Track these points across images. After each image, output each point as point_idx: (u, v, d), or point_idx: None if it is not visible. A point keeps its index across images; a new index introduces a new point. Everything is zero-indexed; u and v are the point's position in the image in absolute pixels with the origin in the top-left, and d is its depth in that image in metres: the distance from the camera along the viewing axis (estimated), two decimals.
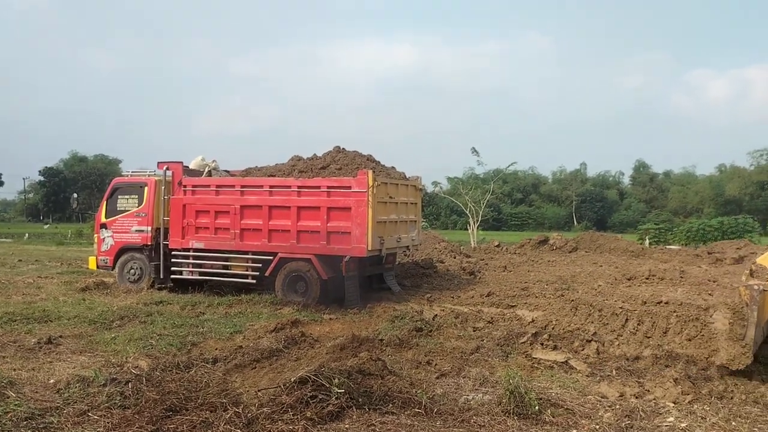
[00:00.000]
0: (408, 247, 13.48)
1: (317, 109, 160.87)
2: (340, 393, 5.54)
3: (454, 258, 18.93)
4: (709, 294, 11.05)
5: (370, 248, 11.17)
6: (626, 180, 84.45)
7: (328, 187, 11.52)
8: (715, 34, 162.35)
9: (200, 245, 12.54)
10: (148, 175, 13.54)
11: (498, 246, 24.31)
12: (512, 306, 11.33)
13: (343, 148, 12.80)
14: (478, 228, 30.89)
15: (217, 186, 12.52)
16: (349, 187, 11.34)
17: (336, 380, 5.66)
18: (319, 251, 11.55)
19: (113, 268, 13.77)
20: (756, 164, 65.12)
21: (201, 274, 12.78)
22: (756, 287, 6.88)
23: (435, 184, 61.65)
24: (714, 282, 12.68)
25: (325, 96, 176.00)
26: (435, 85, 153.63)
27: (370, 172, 11.22)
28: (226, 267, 12.56)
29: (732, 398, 5.99)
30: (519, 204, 75.84)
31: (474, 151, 32.43)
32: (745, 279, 7.29)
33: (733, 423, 5.22)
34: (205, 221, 12.47)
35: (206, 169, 13.64)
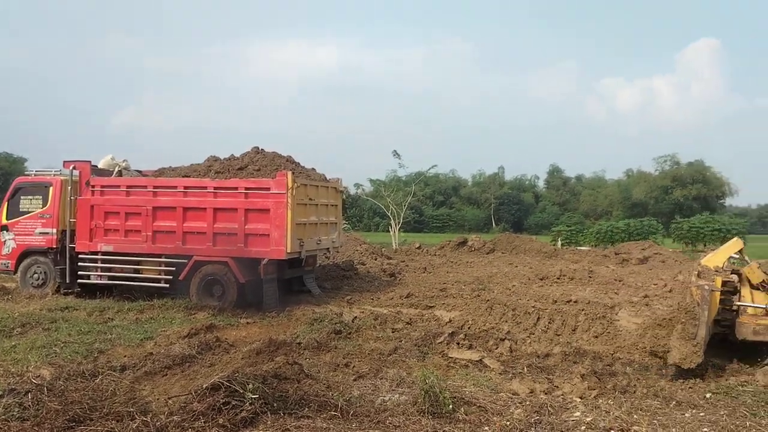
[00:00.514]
0: (328, 249, 13.41)
1: (237, 108, 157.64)
2: (254, 399, 5.42)
3: (375, 260, 19.01)
4: (615, 293, 11.65)
5: (289, 250, 11.03)
6: (541, 184, 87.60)
7: (246, 189, 11.29)
8: (622, 44, 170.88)
9: (109, 248, 11.99)
10: (54, 175, 12.83)
11: (419, 248, 24.62)
12: (431, 307, 11.48)
13: (262, 149, 12.59)
14: (399, 230, 31.18)
15: (128, 186, 12.02)
16: (268, 189, 11.16)
17: (250, 386, 5.54)
18: (237, 254, 11.30)
19: (15, 272, 12.98)
20: (660, 169, 68.76)
21: (110, 278, 12.22)
22: (707, 287, 7.20)
23: (357, 186, 61.79)
24: (620, 281, 13.36)
25: (245, 96, 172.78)
26: (358, 86, 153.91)
27: (290, 174, 11.08)
28: (137, 271, 12.08)
29: (634, 392, 6.28)
30: (440, 206, 77.14)
31: (395, 153, 32.78)
32: (694, 280, 7.59)
33: (635, 416, 5.47)
34: (115, 223, 11.94)
35: (116, 169, 13.08)
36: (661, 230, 31.00)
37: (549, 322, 9.29)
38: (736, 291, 7.55)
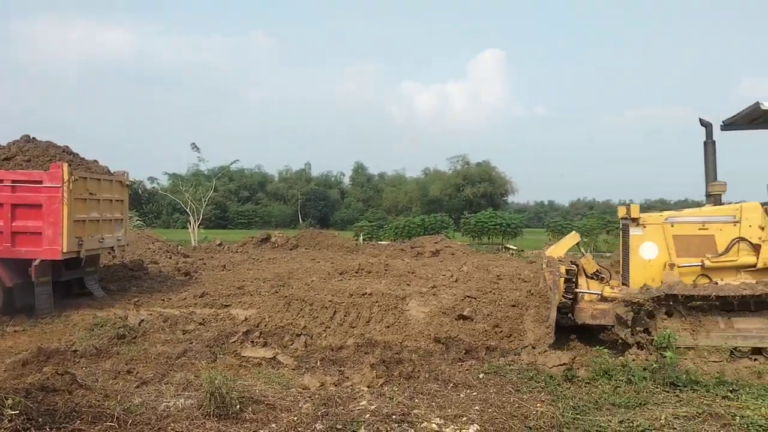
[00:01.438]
0: (113, 248, 12.39)
1: (9, 94, 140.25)
2: (14, 415, 4.81)
3: (170, 258, 18.06)
4: (408, 284, 12.23)
5: (65, 250, 10.01)
6: (347, 180, 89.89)
7: (14, 182, 10.02)
8: (421, 50, 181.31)
9: None
10: None
11: (220, 245, 23.90)
12: (226, 306, 11.15)
13: (34, 138, 11.28)
14: (199, 226, 29.96)
15: None
16: (40, 182, 10.01)
17: (10, 401, 4.90)
18: (2, 254, 10.00)
19: None
20: (453, 168, 74.17)
21: None
22: (557, 273, 7.82)
23: (152, 180, 58.23)
24: (413, 273, 14.08)
25: (18, 80, 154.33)
26: (156, 76, 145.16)
27: (65, 165, 10.04)
28: None
29: (418, 377, 6.61)
30: (246, 202, 75.64)
31: (194, 147, 31.46)
32: (545, 267, 8.11)
33: (416, 400, 5.76)
34: None
35: None
36: (453, 225, 33.38)
37: (345, 315, 9.49)
38: (575, 279, 8.40)
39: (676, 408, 5.63)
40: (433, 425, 5.11)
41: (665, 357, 6.53)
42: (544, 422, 5.18)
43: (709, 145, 8.65)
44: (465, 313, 9.16)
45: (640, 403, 5.74)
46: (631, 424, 5.14)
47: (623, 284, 8.53)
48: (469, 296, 10.31)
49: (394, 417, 5.25)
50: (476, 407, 5.59)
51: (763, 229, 7.96)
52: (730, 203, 8.39)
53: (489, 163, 72.56)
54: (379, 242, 28.88)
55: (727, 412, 5.52)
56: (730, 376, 6.56)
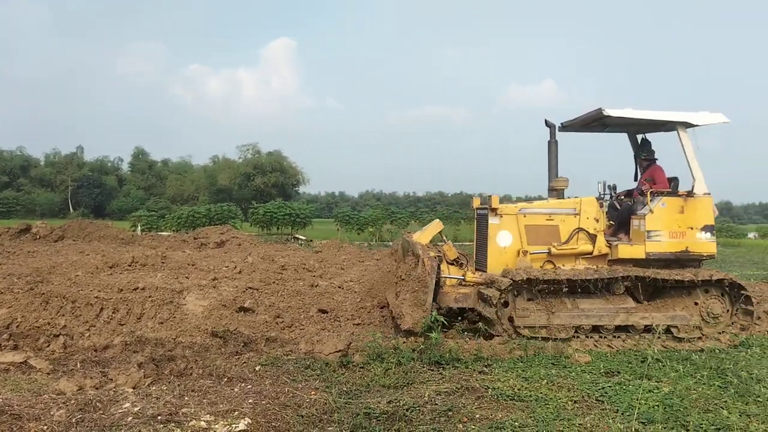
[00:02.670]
0: None
1: None
2: None
3: None
4: (186, 277, 11.66)
5: None
6: (126, 167, 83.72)
7: None
8: (212, 33, 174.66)
9: None
10: None
11: None
12: None
13: None
14: None
15: None
16: None
17: None
18: None
19: None
20: (244, 157, 72.86)
21: None
22: (435, 259, 7.92)
23: None
24: (193, 265, 13.46)
25: None
26: None
27: None
28: None
29: (191, 374, 6.31)
30: (4, 188, 66.84)
31: None
32: (422, 254, 8.00)
33: (186, 398, 5.48)
34: None
35: None
36: (240, 215, 32.72)
37: (113, 312, 8.77)
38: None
39: (439, 384, 6.07)
40: (202, 423, 4.89)
41: (431, 338, 7.00)
42: (316, 409, 5.24)
43: (552, 144, 9.58)
44: (246, 305, 8.99)
45: (407, 383, 6.08)
46: (398, 403, 5.41)
47: (478, 269, 9.09)
48: (251, 287, 10.14)
49: (159, 418, 4.93)
50: (249, 400, 5.49)
51: (597, 220, 8.99)
52: (569, 198, 9.29)
53: (281, 152, 72.64)
54: (160, 233, 27.28)
55: (481, 385, 6.09)
56: (486, 352, 7.23)
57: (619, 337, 8.20)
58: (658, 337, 7.94)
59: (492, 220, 8.88)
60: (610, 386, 6.08)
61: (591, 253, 8.86)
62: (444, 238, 9.77)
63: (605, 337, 8.17)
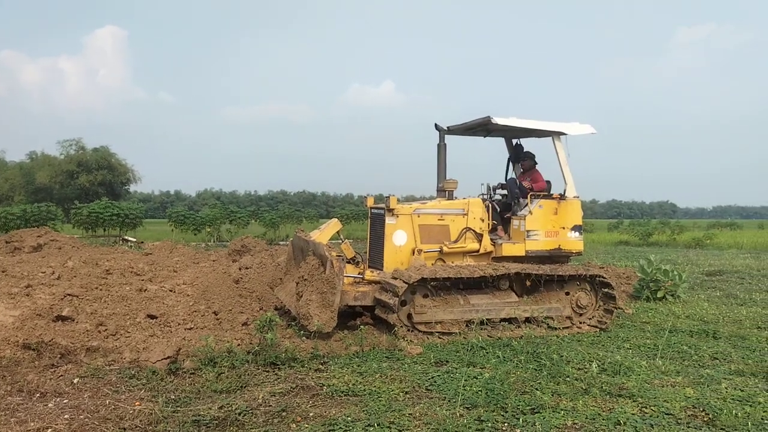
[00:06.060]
0: None
1: None
2: None
3: None
4: None
5: None
6: None
7: None
8: (24, 15, 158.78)
9: None
10: None
11: None
12: None
13: None
14: None
15: None
16: None
17: None
18: None
19: None
20: (66, 153, 66.96)
21: None
22: (343, 259, 8.12)
23: None
24: (3, 272, 12.18)
25: None
26: None
27: None
28: None
29: None
30: None
31: None
32: (329, 255, 7.88)
33: None
34: None
35: None
36: (61, 216, 30.03)
37: None
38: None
39: (274, 385, 6.00)
40: None
41: (266, 338, 6.92)
42: (140, 420, 4.95)
43: (442, 148, 9.89)
44: (64, 313, 8.26)
45: (241, 386, 5.95)
46: (230, 408, 5.26)
47: (371, 267, 9.17)
48: (70, 294, 9.35)
49: None
50: (65, 416, 5.05)
51: (483, 220, 9.40)
52: (456, 198, 9.62)
53: (108, 149, 67.80)
54: None
55: (317, 383, 6.12)
56: (322, 350, 7.28)
57: (507, 328, 8.71)
58: (482, 328, 8.50)
59: (389, 220, 9.09)
60: (438, 375, 6.40)
61: (478, 251, 9.34)
62: (342, 237, 9.90)
63: (495, 328, 8.64)
